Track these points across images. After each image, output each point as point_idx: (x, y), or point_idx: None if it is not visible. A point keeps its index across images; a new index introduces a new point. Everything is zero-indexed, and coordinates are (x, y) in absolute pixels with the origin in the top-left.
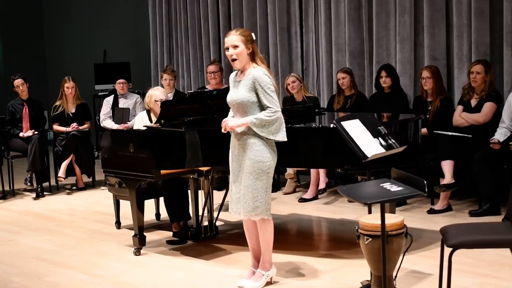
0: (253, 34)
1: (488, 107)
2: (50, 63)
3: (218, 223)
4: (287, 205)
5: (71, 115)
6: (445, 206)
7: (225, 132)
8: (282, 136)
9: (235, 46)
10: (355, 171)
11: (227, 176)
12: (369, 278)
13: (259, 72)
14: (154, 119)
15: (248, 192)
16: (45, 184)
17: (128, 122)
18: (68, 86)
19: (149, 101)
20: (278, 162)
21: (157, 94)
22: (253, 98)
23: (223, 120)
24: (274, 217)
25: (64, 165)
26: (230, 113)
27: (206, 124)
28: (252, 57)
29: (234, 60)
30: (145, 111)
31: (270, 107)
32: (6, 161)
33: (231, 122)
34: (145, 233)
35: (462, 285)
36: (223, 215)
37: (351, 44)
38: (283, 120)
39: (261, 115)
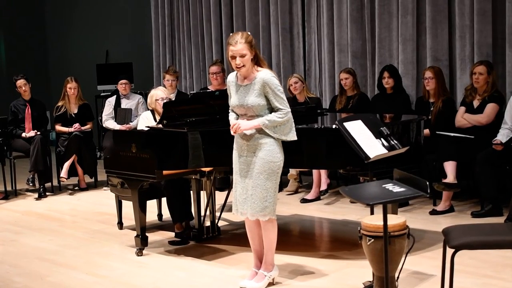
0: (249, 33)
1: (491, 108)
2: (52, 64)
3: (220, 223)
4: (289, 205)
5: (73, 115)
6: (447, 207)
7: (235, 134)
8: (293, 136)
9: (243, 55)
10: (357, 172)
11: (229, 176)
12: (371, 279)
13: (267, 75)
14: (158, 118)
15: (257, 192)
16: (47, 184)
17: (130, 123)
18: (71, 87)
19: (150, 101)
20: None
21: (158, 93)
22: (263, 101)
23: (234, 122)
24: (276, 217)
25: (66, 165)
26: (232, 115)
27: (209, 125)
28: (256, 60)
29: (241, 68)
30: (149, 110)
31: (281, 109)
32: (8, 161)
33: (243, 125)
34: (147, 234)
35: (464, 286)
36: (225, 216)
37: (353, 45)
38: (293, 120)
39: (273, 117)
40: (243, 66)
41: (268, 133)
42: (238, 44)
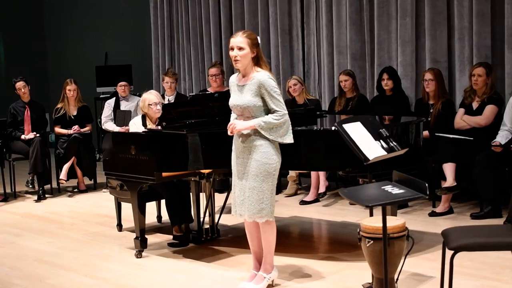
0: (258, 38)
1: (490, 110)
2: (52, 66)
3: (219, 225)
4: (288, 207)
5: (72, 117)
6: (446, 209)
7: (231, 134)
8: (290, 139)
9: (241, 48)
10: (357, 174)
11: (228, 178)
12: (370, 281)
13: (264, 76)
14: (149, 123)
15: (253, 194)
16: (47, 186)
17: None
18: (70, 89)
19: (143, 105)
20: (280, 164)
21: (151, 97)
22: (259, 102)
23: (230, 122)
24: (275, 219)
25: (65, 167)
26: (233, 115)
27: (208, 127)
28: (256, 61)
29: (237, 61)
30: (140, 115)
31: (278, 111)
32: (7, 163)
33: (239, 125)
34: (146, 236)
35: None
36: (225, 218)
37: (352, 47)
38: (290, 122)
39: (269, 118)
40: (239, 60)
41: (264, 135)
42: (238, 37)
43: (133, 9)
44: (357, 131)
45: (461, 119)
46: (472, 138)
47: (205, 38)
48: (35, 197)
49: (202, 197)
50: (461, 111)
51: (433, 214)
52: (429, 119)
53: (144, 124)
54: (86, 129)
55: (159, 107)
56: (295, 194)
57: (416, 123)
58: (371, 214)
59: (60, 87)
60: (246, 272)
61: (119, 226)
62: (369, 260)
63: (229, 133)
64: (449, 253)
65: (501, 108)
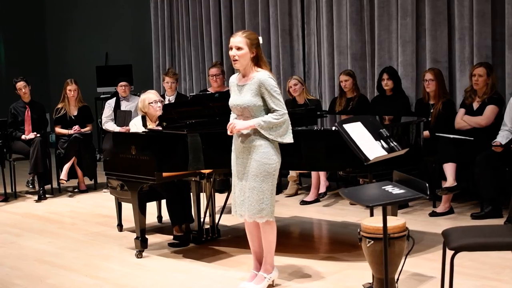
0: (260, 38)
1: (490, 110)
2: (52, 66)
3: (220, 225)
4: (289, 207)
5: (73, 117)
6: (447, 209)
7: (231, 134)
8: (289, 138)
9: (239, 48)
10: (357, 174)
11: (229, 178)
12: (371, 281)
13: (264, 75)
14: (149, 123)
15: (253, 195)
16: (47, 186)
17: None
18: (70, 89)
19: (142, 106)
20: (281, 164)
21: (150, 96)
22: (259, 102)
23: (230, 122)
24: (276, 219)
25: (66, 167)
26: (233, 115)
27: (208, 127)
28: (256, 61)
29: (235, 61)
30: (140, 116)
31: (277, 110)
32: (8, 163)
33: (239, 124)
34: (147, 236)
35: None
36: (225, 218)
37: (353, 47)
38: (290, 122)
39: (269, 118)
40: (238, 60)
41: (264, 135)
42: (237, 37)
43: (133, 9)
44: (357, 131)
45: (462, 119)
46: (472, 138)
47: (205, 38)
48: (36, 197)
49: (203, 197)
50: (461, 111)
51: (433, 214)
52: (429, 119)
53: (144, 125)
54: (87, 129)
55: (159, 104)
56: (296, 194)
57: (416, 123)
58: (372, 214)
59: (60, 87)
60: (246, 272)
61: (120, 226)
62: (370, 260)
63: (228, 132)
64: (449, 253)
65: (501, 108)
